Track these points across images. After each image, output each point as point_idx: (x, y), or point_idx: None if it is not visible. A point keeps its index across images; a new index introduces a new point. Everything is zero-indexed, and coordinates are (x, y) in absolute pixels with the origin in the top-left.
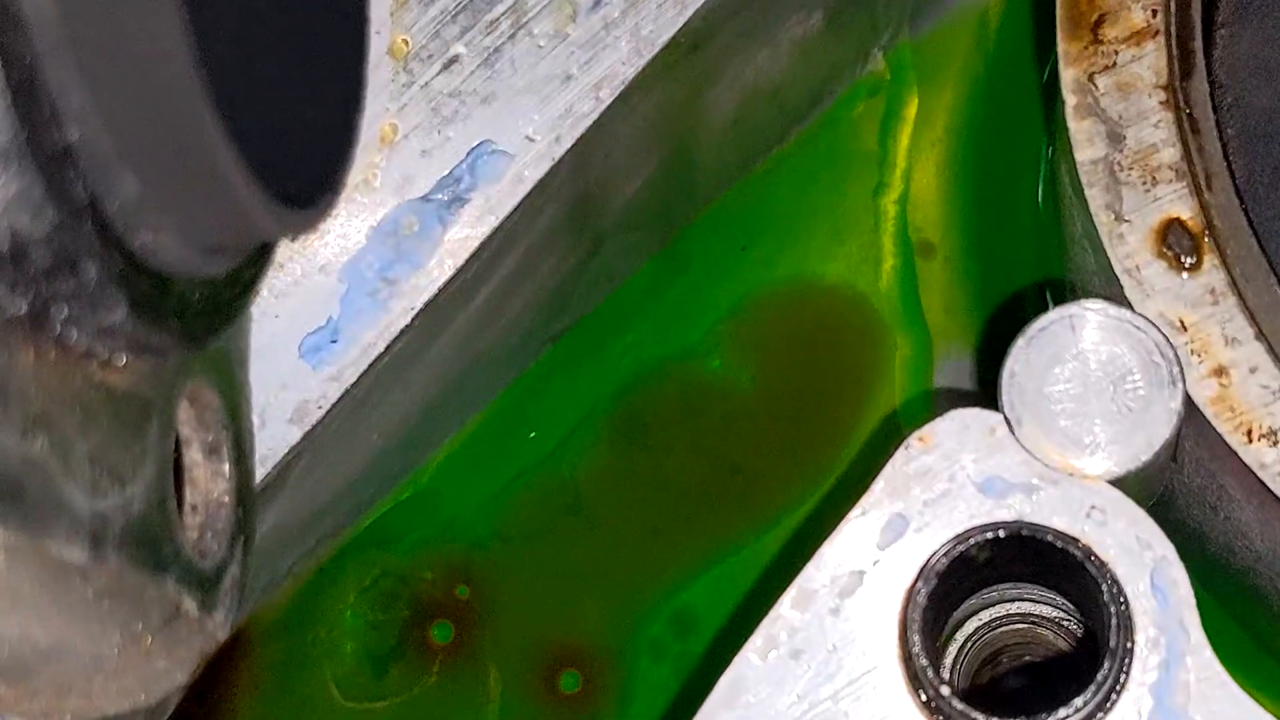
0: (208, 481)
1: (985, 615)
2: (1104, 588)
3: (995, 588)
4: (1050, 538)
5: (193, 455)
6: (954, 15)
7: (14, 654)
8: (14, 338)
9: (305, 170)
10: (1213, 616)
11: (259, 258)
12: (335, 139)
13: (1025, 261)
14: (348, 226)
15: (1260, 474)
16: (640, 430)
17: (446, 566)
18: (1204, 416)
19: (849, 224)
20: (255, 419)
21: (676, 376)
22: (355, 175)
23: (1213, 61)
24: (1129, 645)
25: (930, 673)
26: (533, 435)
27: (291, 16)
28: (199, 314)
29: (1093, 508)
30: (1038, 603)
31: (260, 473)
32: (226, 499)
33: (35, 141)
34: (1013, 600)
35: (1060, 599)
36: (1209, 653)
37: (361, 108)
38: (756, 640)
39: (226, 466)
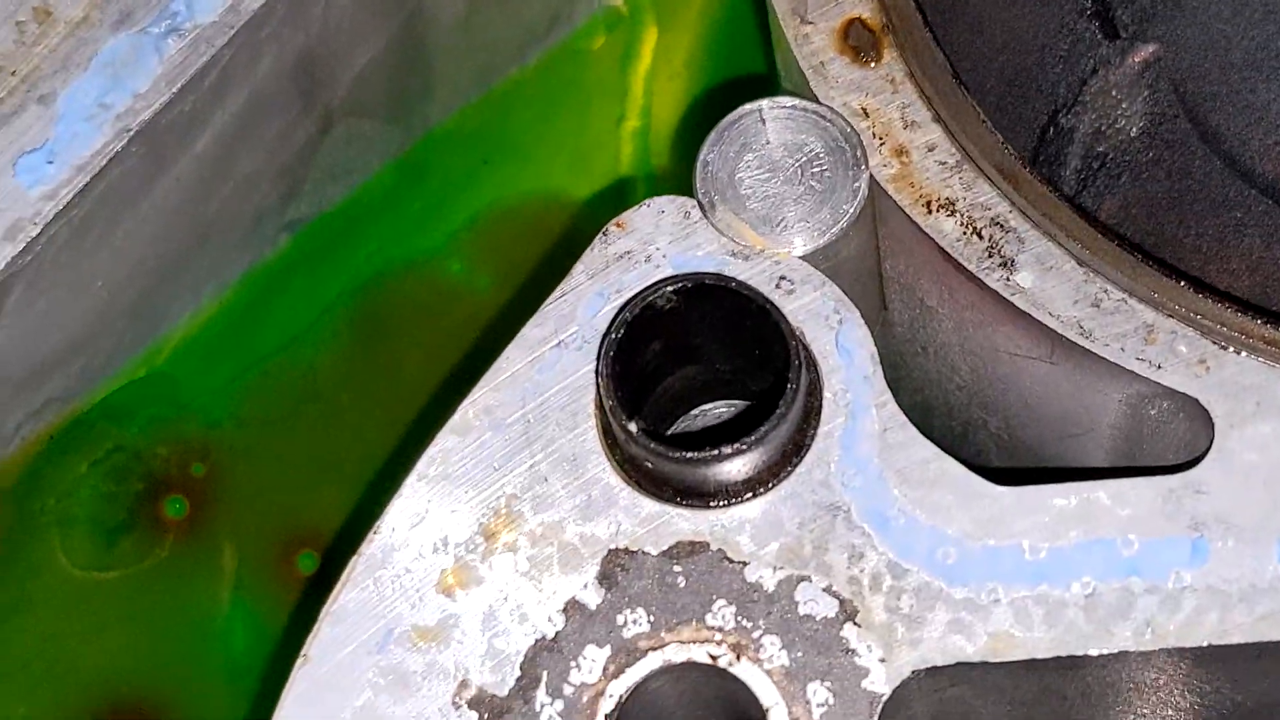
0: None
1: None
2: (786, 335)
3: (695, 378)
4: (734, 286)
5: None
6: None
7: None
8: None
9: None
10: None
11: None
12: None
13: None
14: (68, 60)
15: (940, 242)
16: (380, 326)
17: (182, 445)
18: (887, 194)
19: (591, 149)
20: None
21: (417, 278)
22: (76, 13)
23: None
24: (814, 392)
25: (620, 412)
26: (272, 324)
27: None
28: None
29: (782, 279)
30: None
31: None
32: None
33: None
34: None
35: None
36: (893, 405)
37: None
38: (454, 419)
39: None
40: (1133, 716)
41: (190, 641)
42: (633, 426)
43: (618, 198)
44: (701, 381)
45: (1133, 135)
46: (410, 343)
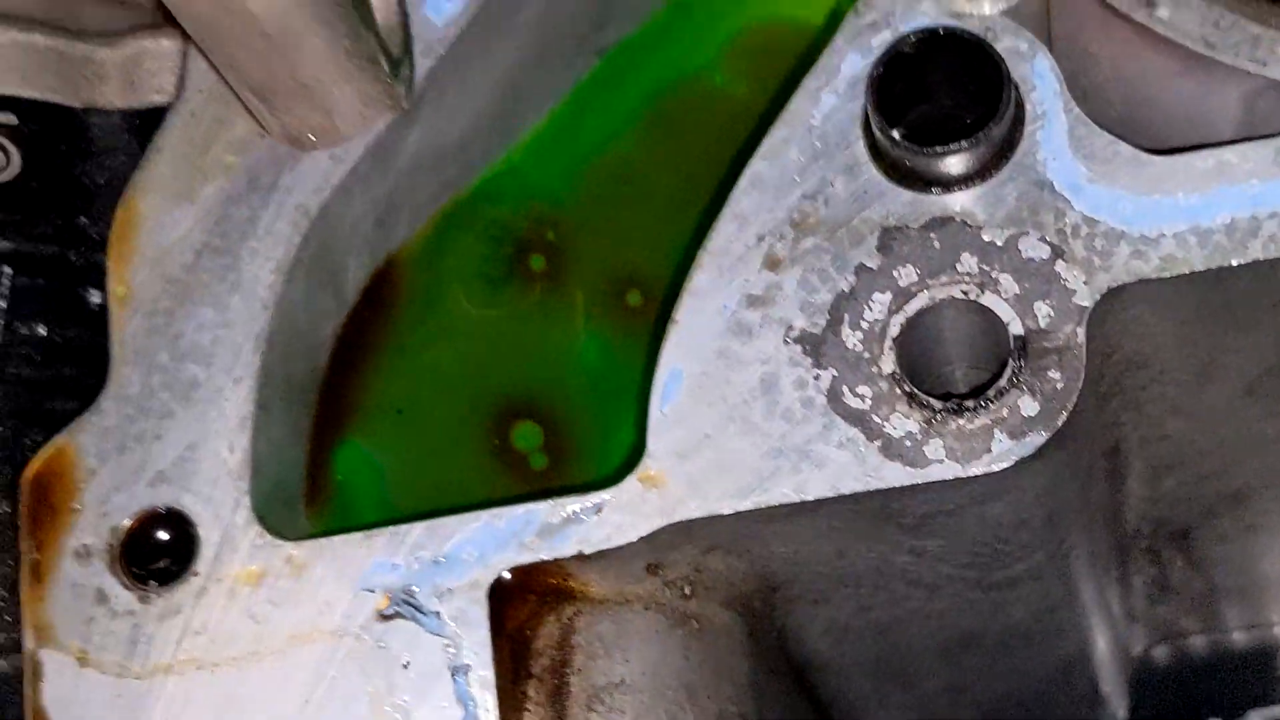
0: (388, 17)
1: None
2: (998, 61)
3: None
4: (959, 32)
5: None
6: None
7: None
8: None
9: None
10: None
11: None
12: None
13: None
14: None
15: None
16: (672, 125)
17: (537, 218)
18: None
19: None
20: None
21: (693, 87)
22: None
23: None
24: (1019, 104)
25: (885, 126)
26: (593, 125)
27: None
28: None
29: (988, 29)
30: None
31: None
32: (400, 29)
33: None
34: None
35: None
36: (1077, 109)
37: None
38: (761, 148)
39: (397, 13)
40: (1253, 335)
41: (558, 357)
42: (895, 134)
43: (833, 18)
44: (932, 117)
45: None
46: (694, 136)
